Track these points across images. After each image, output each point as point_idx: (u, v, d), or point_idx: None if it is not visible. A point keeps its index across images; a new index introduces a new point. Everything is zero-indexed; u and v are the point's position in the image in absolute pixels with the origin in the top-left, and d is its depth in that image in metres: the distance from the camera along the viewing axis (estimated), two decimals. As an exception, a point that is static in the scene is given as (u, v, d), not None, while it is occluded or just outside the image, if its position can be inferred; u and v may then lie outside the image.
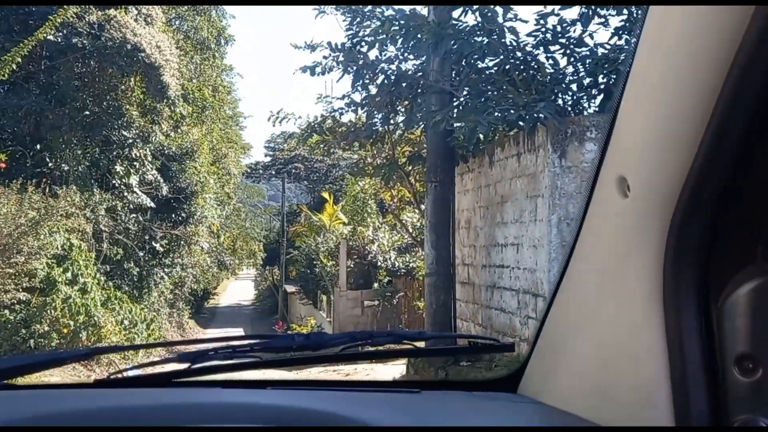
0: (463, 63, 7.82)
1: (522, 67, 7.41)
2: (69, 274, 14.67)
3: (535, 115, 6.22)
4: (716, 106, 0.75)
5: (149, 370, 1.48)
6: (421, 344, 1.59)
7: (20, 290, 12.31)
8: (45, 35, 12.50)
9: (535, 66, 7.39)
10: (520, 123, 6.41)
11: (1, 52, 16.72)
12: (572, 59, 7.46)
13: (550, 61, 7.57)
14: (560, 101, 7.19)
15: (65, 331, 13.92)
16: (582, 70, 7.39)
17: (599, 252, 1.07)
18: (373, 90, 8.45)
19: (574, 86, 7.42)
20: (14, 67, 11.85)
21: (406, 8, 8.36)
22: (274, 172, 44.67)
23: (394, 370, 8.81)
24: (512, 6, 7.56)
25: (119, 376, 1.45)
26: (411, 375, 8.11)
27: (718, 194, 0.85)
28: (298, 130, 10.26)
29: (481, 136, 6.72)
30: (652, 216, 0.90)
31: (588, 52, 7.41)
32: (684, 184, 0.84)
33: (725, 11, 0.71)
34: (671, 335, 0.91)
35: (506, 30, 7.54)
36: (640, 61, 0.88)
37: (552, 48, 7.48)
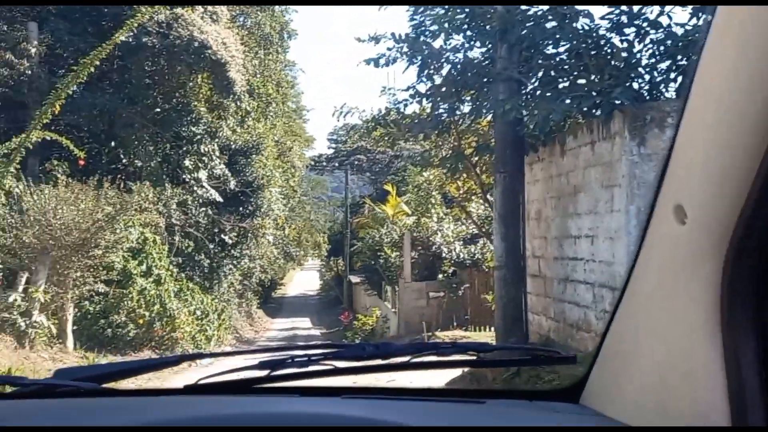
0: (532, 50, 7.56)
1: (595, 51, 7.09)
2: (144, 267, 15.19)
3: (612, 101, 5.94)
4: None
5: (232, 377, 1.56)
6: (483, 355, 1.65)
7: (99, 282, 12.79)
8: (120, 38, 12.87)
9: (609, 50, 7.07)
10: (596, 110, 6.14)
11: (77, 53, 17.42)
12: (648, 42, 7.09)
13: (625, 45, 7.22)
14: (636, 86, 6.86)
15: (141, 321, 14.43)
16: (659, 52, 7.03)
17: (658, 275, 1.10)
18: (438, 80, 8.28)
19: (650, 70, 7.06)
20: (92, 69, 12.26)
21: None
22: (337, 164, 45.02)
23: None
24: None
25: (205, 382, 1.52)
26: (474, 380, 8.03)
27: None
28: (361, 122, 10.22)
29: (553, 124, 6.47)
30: (709, 243, 0.93)
31: (664, 35, 7.03)
32: (741, 212, 0.85)
33: None
34: (729, 357, 0.93)
35: (578, 13, 7.24)
36: (697, 92, 0.90)
37: (626, 31, 7.12)
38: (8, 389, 1.55)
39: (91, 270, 12.52)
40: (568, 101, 6.14)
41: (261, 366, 1.51)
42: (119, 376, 1.61)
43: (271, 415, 1.31)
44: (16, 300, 10.58)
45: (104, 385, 1.54)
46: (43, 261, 11.44)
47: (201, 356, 2.14)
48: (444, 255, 19.10)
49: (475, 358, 1.62)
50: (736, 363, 0.92)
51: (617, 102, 5.97)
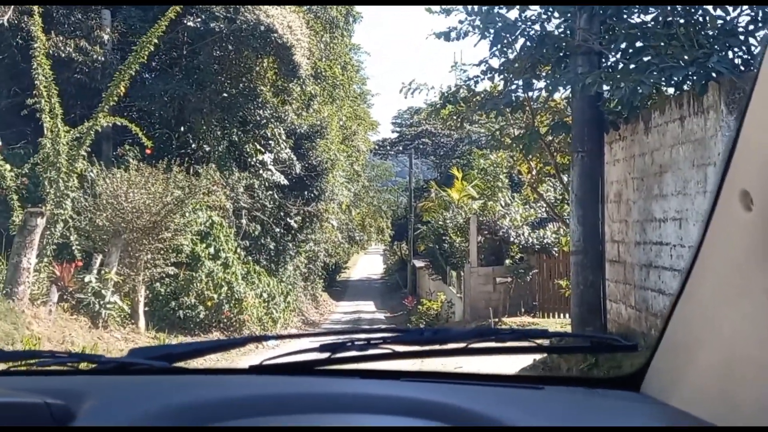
0: (614, 19, 7.04)
1: (685, 19, 6.52)
2: (212, 249, 15.38)
3: (706, 71, 5.42)
4: None
5: (295, 358, 1.60)
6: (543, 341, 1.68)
7: (169, 265, 13.00)
8: (172, 17, 12.96)
9: (702, 17, 6.49)
10: (688, 82, 5.63)
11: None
12: (746, 6, 6.47)
13: (719, 11, 6.62)
14: (731, 55, 6.26)
15: (209, 303, 14.65)
16: (758, 17, 6.40)
17: (723, 263, 1.08)
18: (512, 54, 7.87)
19: (748, 37, 6.43)
20: (152, 48, 12.37)
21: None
22: (401, 149, 44.83)
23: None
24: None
25: (270, 363, 1.57)
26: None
27: None
28: (425, 105, 9.92)
29: (640, 99, 5.98)
30: None
31: (765, -3, 6.39)
32: None
33: None
34: None
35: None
36: (766, 72, 0.88)
37: (721, -4, 6.53)
38: (87, 366, 1.63)
39: (161, 252, 12.75)
40: (656, 73, 5.64)
41: (322, 348, 1.56)
42: (189, 355, 1.67)
43: (331, 396, 1.36)
44: (90, 281, 10.85)
45: (175, 364, 1.61)
46: (116, 243, 11.70)
47: (266, 338, 2.12)
48: (512, 240, 18.63)
49: (533, 344, 1.62)
50: None
51: (713, 73, 5.44)
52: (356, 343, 1.57)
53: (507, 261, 18.41)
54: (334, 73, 25.80)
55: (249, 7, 18.32)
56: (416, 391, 1.39)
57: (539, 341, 1.63)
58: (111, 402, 1.29)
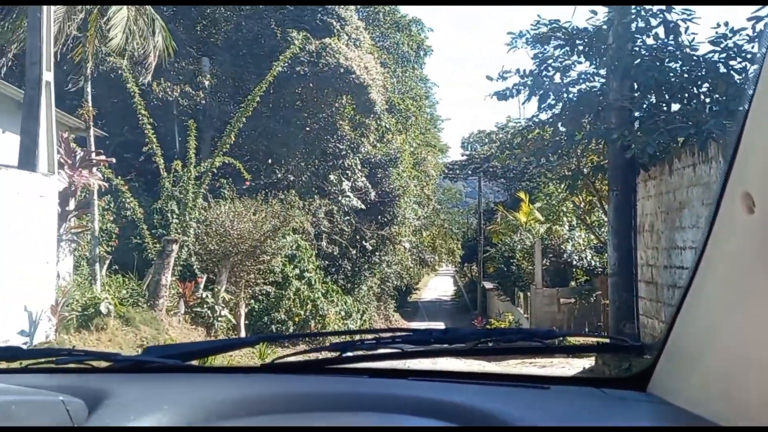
0: (640, 78, 8.37)
1: (700, 81, 7.85)
2: (298, 270, 17.14)
3: (706, 131, 6.75)
4: None
5: (306, 357, 1.71)
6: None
7: (267, 284, 14.86)
8: (278, 70, 15.03)
9: (714, 80, 7.78)
10: (691, 139, 6.96)
11: (240, 81, 20.03)
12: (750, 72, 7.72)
13: (732, 74, 7.89)
14: (737, 113, 7.45)
15: (297, 319, 16.37)
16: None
17: (725, 265, 1.08)
18: (558, 110, 9.33)
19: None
20: (256, 103, 14.47)
21: (590, 27, 9.16)
22: (470, 172, 45.46)
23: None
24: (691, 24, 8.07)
25: (281, 361, 1.63)
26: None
27: None
28: (496, 129, 11.33)
29: (651, 154, 7.34)
30: None
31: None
32: None
33: None
34: None
35: (687, 46, 8.04)
36: (765, 77, 0.89)
37: (732, 63, 7.82)
38: (103, 364, 1.64)
39: (260, 273, 14.65)
40: (664, 132, 7.00)
41: (333, 347, 1.61)
42: (202, 354, 1.74)
43: (340, 395, 1.38)
44: (207, 297, 12.89)
45: (188, 363, 1.66)
46: (225, 265, 13.69)
47: (277, 337, 2.27)
48: (575, 263, 19.55)
49: (540, 344, 1.62)
50: None
51: (712, 133, 6.77)
52: (366, 342, 1.60)
53: (572, 283, 19.32)
54: (406, 106, 27.44)
55: (330, 51, 20.31)
56: (423, 390, 1.41)
57: (546, 341, 1.61)
58: (125, 400, 1.30)
